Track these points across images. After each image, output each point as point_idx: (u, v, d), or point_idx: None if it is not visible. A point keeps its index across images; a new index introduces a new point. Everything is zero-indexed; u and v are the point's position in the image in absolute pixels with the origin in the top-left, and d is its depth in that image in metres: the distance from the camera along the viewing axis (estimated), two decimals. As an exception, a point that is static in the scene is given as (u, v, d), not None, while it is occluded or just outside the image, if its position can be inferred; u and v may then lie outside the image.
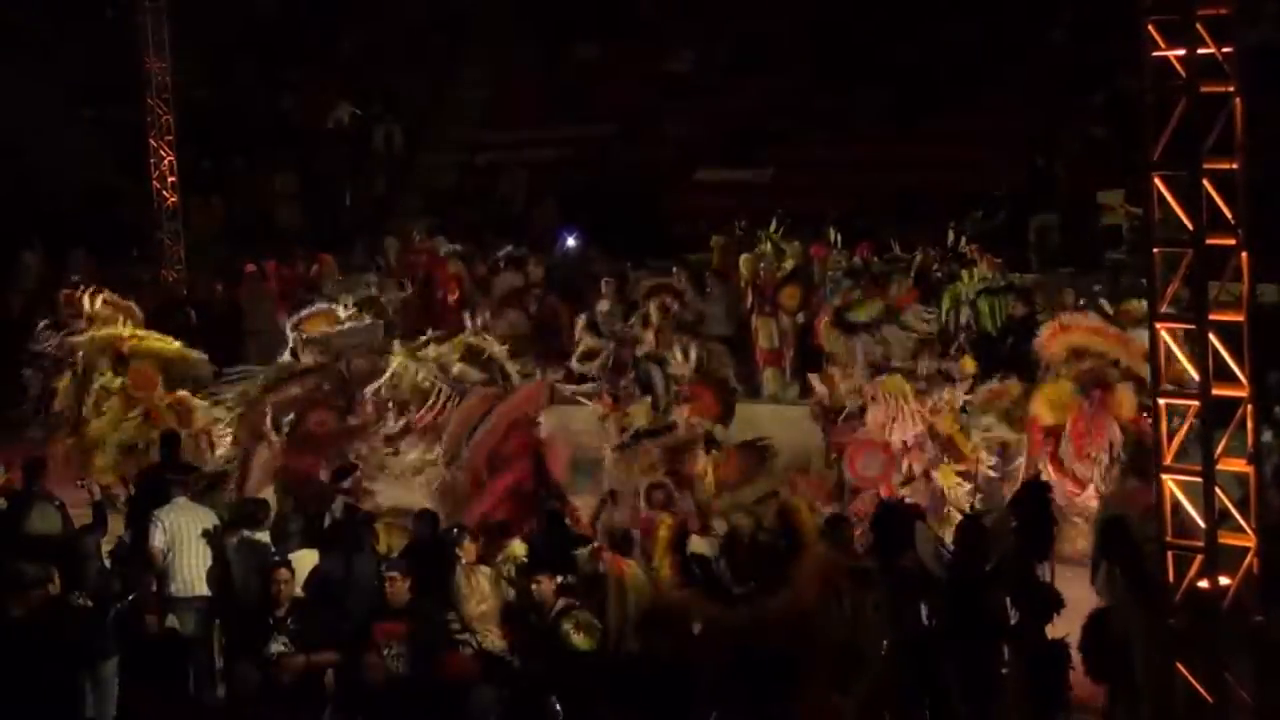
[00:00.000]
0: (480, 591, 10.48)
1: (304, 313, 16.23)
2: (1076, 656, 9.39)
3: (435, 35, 30.21)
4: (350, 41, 30.65)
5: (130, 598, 10.51)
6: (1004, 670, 9.50)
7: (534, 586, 9.93)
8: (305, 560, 10.75)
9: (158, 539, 11.18)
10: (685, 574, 9.08)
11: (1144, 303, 13.70)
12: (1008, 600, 9.56)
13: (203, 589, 11.14)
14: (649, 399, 14.72)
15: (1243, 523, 8.71)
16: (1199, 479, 8.57)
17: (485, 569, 10.64)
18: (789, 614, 8.73)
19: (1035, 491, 10.41)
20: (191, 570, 11.16)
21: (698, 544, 10.51)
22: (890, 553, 9.74)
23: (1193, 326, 8.61)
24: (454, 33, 30.32)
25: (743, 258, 19.04)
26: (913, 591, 9.60)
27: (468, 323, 17.94)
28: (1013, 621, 9.50)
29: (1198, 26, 8.42)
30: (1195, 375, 8.62)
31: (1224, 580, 8.63)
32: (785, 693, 8.72)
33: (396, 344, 14.70)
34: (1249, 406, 8.65)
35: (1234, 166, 8.54)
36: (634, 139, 28.31)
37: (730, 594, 8.99)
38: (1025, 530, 9.94)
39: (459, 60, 30.39)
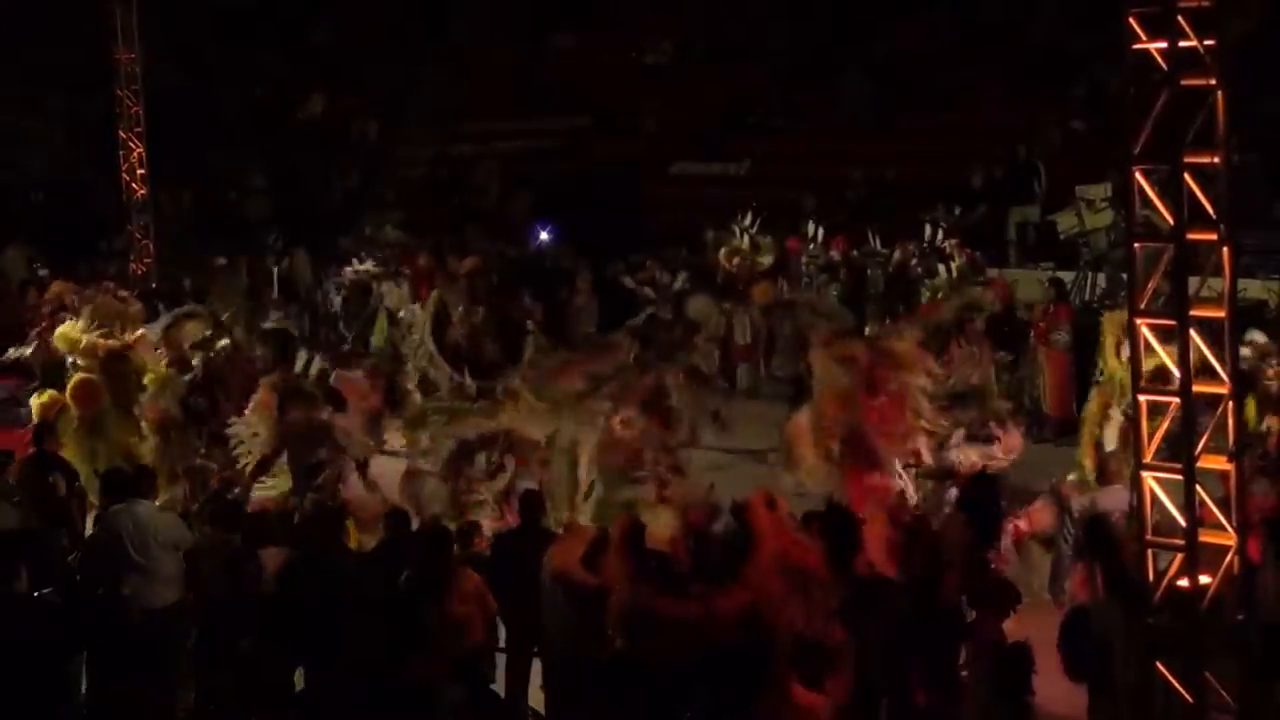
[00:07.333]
0: None
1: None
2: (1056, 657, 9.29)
3: (409, 26, 30.05)
4: (323, 32, 30.46)
5: (98, 595, 10.35)
6: (964, 671, 9.40)
7: None
8: (275, 556, 10.60)
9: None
10: (639, 572, 8.92)
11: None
12: (964, 599, 9.46)
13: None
14: None
15: (1224, 521, 8.63)
16: (1179, 476, 8.49)
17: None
18: (744, 611, 8.63)
19: (982, 486, 10.47)
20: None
21: (663, 526, 10.42)
22: (842, 558, 9.60)
23: (1173, 322, 8.52)
24: (428, 23, 30.17)
25: (721, 251, 18.98)
26: (867, 596, 9.47)
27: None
28: (970, 620, 9.41)
29: (1179, 19, 8.32)
30: (1176, 372, 8.53)
31: (1204, 579, 8.56)
32: (749, 691, 8.61)
33: None
34: (1230, 403, 8.57)
35: (1215, 160, 8.45)
36: (610, 131, 28.20)
37: (684, 589, 8.85)
38: (975, 525, 9.89)
39: (433, 51, 30.24)
